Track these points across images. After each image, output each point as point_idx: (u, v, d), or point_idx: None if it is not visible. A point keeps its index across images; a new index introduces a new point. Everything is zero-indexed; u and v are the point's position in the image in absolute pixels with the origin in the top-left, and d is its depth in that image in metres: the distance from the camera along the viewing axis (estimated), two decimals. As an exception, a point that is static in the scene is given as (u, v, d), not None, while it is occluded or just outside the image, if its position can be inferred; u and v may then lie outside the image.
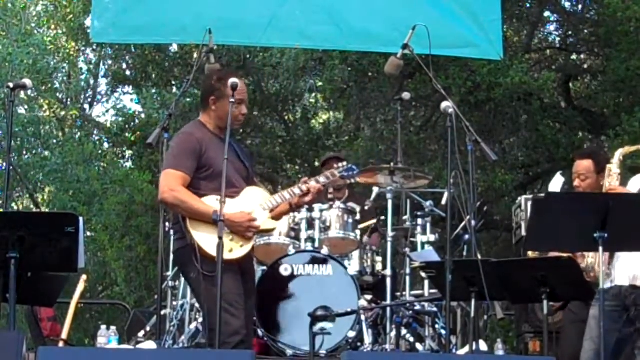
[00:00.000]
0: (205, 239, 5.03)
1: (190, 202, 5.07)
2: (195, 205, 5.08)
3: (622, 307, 5.30)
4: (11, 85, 5.68)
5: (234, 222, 5.06)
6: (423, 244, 6.80)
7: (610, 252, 5.23)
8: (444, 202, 6.50)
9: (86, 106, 17.78)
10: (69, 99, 16.97)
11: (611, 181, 5.33)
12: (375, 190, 6.78)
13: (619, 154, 5.40)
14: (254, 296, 5.43)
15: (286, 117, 14.19)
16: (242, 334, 5.01)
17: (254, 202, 5.25)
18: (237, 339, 4.97)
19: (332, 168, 7.27)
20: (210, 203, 5.08)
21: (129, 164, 14.97)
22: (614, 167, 5.36)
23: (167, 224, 5.67)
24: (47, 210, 13.01)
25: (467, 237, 6.39)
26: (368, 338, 6.18)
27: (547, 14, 13.11)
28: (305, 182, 5.40)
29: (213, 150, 5.21)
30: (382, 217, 6.80)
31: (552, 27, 13.65)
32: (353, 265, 6.55)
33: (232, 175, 5.17)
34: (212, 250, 4.94)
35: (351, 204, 6.74)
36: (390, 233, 6.48)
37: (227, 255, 4.96)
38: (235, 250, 5.10)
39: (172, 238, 7.23)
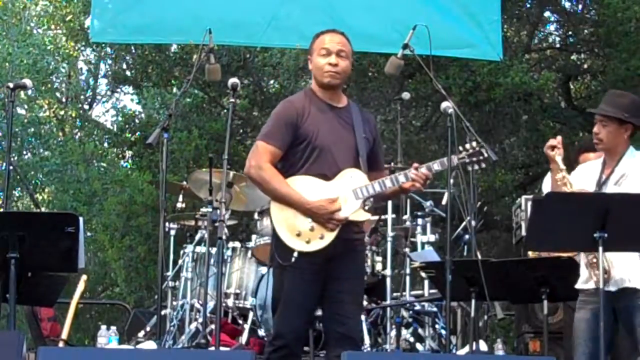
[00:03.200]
0: (283, 226, 4.57)
1: (273, 183, 4.56)
2: (279, 187, 4.56)
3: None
4: (11, 85, 5.67)
5: (315, 213, 4.53)
6: (423, 244, 6.79)
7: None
8: (444, 202, 6.49)
9: (86, 106, 17.82)
10: (69, 99, 17.01)
11: None
12: (376, 190, 6.75)
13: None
14: (354, 280, 4.69)
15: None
16: (286, 339, 4.52)
17: (347, 188, 4.64)
18: (278, 343, 4.53)
19: None
20: (299, 185, 4.57)
21: (129, 164, 14.99)
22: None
23: (167, 224, 5.63)
24: (47, 210, 13.02)
25: (467, 237, 6.39)
26: (368, 338, 6.17)
27: (547, 14, 13.13)
28: (416, 167, 4.76)
29: (315, 120, 4.64)
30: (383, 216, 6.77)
31: (552, 27, 13.68)
32: (353, 265, 6.53)
33: (335, 152, 4.63)
34: (287, 239, 4.54)
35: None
36: (390, 233, 6.47)
37: (303, 247, 4.52)
38: (313, 241, 4.54)
39: (172, 238, 7.29)
